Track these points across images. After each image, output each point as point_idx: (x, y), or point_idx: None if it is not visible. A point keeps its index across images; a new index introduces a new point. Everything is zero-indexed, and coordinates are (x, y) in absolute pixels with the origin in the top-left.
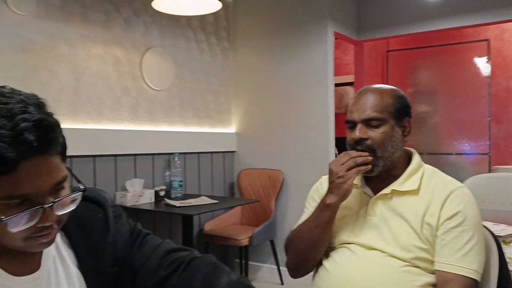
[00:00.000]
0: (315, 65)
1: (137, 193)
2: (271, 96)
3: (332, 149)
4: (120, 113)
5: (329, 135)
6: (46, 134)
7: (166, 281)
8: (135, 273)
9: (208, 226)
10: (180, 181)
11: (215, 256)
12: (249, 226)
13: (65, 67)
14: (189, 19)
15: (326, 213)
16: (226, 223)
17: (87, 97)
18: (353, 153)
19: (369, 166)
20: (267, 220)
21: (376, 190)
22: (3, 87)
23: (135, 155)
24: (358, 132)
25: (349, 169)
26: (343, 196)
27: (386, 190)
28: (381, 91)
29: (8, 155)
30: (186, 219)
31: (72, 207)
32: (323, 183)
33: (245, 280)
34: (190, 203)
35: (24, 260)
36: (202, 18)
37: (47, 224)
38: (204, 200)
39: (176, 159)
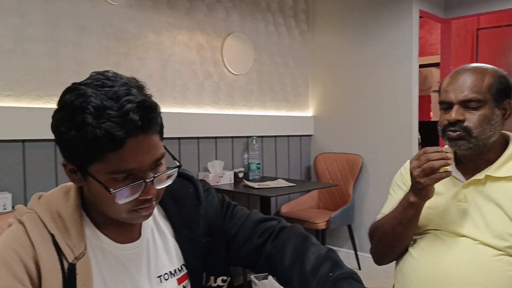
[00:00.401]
0: (398, 46)
1: (218, 174)
2: (351, 78)
3: (415, 134)
4: (202, 98)
5: (412, 119)
6: (148, 114)
7: (260, 249)
8: (229, 242)
9: (285, 209)
10: (258, 164)
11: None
12: (326, 210)
13: (153, 54)
14: (268, 3)
15: (410, 211)
16: (303, 206)
17: (172, 82)
18: (430, 149)
19: (449, 172)
20: (344, 204)
21: (467, 175)
22: (107, 71)
23: (216, 138)
24: (454, 114)
25: (426, 174)
26: (425, 198)
27: (480, 176)
28: (481, 71)
29: (116, 133)
30: (264, 201)
31: (168, 182)
32: (407, 168)
33: (332, 254)
34: (268, 185)
35: (127, 230)
36: (281, 1)
37: (148, 197)
38: (281, 183)
39: (254, 142)
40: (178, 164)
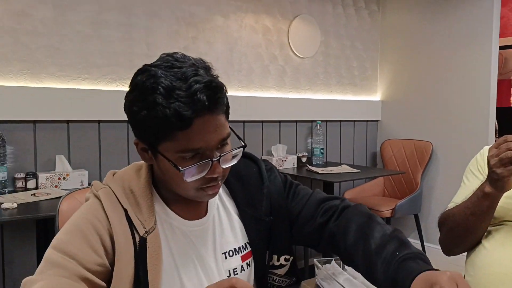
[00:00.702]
0: (476, 25)
1: (281, 158)
2: (422, 61)
3: (492, 120)
4: (267, 81)
5: (490, 104)
6: (215, 95)
7: (323, 228)
8: (292, 221)
9: (349, 195)
10: (322, 149)
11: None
12: (391, 198)
13: (220, 37)
14: None
15: (485, 202)
16: (367, 193)
17: (238, 66)
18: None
19: None
20: (412, 193)
21: None
22: (176, 53)
23: (280, 121)
24: None
25: (503, 164)
26: (502, 190)
27: None
28: None
29: (185, 113)
30: (328, 186)
31: (234, 162)
32: (484, 154)
33: (398, 234)
34: (332, 170)
35: (194, 207)
36: None
37: (214, 175)
38: (345, 169)
39: (319, 126)
40: (243, 144)
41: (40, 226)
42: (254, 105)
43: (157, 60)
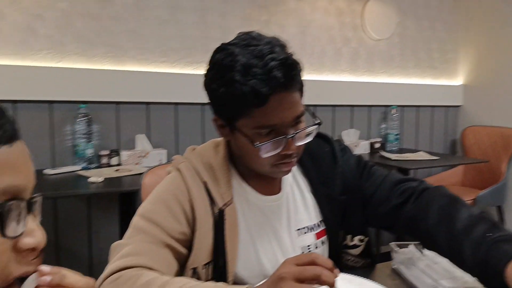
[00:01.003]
0: None
1: (353, 143)
2: None
3: None
4: (340, 64)
5: None
6: (290, 72)
7: (399, 209)
8: (366, 201)
9: None
10: (397, 135)
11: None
12: (472, 188)
13: (292, 20)
14: None
15: None
16: (445, 182)
17: (310, 49)
18: None
19: None
20: (495, 183)
21: None
22: (252, 31)
23: (352, 106)
24: None
25: None
26: None
27: None
28: None
29: (261, 90)
30: (402, 173)
31: (308, 140)
32: None
33: (487, 216)
34: (407, 157)
35: (269, 183)
36: None
37: (289, 152)
38: (422, 156)
39: (394, 111)
40: (318, 121)
41: (123, 200)
42: (325, 89)
43: (234, 39)
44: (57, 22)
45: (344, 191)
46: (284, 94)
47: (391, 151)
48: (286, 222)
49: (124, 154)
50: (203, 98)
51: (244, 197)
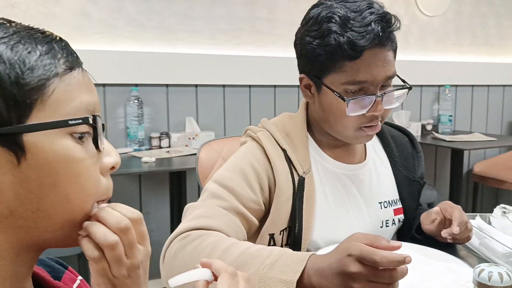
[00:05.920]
0: None
1: (404, 125)
2: None
3: None
4: None
5: None
6: (388, 27)
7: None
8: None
9: (479, 166)
10: (450, 116)
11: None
12: None
13: None
14: None
15: None
16: (501, 165)
17: None
18: None
19: None
20: None
21: None
22: None
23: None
24: None
25: None
26: None
27: None
28: None
29: (357, 42)
30: (456, 155)
31: (396, 105)
32: None
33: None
34: (462, 138)
35: (348, 152)
36: None
37: (376, 113)
38: (477, 137)
39: (447, 91)
40: (408, 86)
41: (173, 179)
42: None
43: None
44: (110, 6)
45: (421, 178)
46: (379, 50)
47: (444, 133)
48: (368, 192)
49: (174, 136)
50: (251, 79)
51: (322, 165)
